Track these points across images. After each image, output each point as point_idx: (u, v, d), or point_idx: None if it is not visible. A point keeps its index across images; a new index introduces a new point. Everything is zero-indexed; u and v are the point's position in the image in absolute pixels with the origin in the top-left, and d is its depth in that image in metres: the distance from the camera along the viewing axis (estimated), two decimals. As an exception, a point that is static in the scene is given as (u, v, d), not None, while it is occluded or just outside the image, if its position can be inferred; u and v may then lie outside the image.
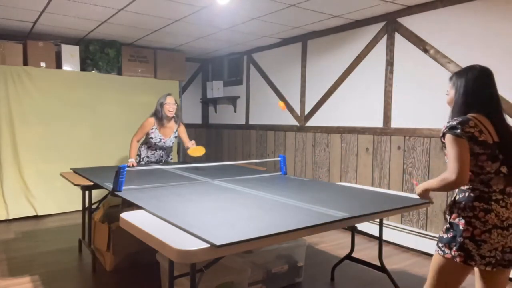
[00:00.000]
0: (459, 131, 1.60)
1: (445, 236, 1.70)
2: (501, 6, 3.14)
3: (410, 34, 3.78)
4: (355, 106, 4.34)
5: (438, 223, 3.57)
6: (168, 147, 4.27)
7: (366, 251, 3.63)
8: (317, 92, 4.80)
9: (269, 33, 4.84)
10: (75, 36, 5.13)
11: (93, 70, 5.29)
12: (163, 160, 4.31)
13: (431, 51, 3.60)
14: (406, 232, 3.82)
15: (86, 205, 3.45)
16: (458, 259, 1.62)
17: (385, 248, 3.60)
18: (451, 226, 1.68)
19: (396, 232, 3.90)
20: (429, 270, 1.77)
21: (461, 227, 1.63)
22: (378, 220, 3.11)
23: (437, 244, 1.74)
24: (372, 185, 4.16)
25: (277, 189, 2.76)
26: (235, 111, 6.33)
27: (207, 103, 6.95)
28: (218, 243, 1.50)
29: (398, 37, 3.90)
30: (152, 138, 4.07)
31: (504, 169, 1.64)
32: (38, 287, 2.88)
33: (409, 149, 3.81)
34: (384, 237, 3.19)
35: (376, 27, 4.10)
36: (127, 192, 2.55)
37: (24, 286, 2.90)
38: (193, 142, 4.10)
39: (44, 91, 4.89)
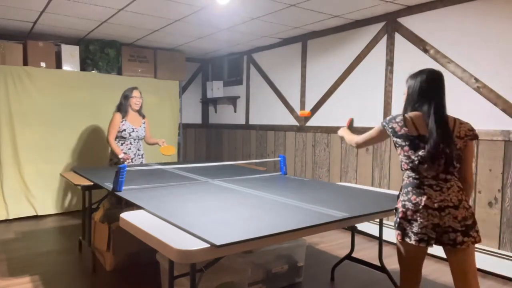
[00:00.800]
0: (385, 124, 1.95)
1: (394, 219, 1.94)
2: (501, 6, 3.14)
3: (410, 34, 3.77)
4: (355, 106, 4.34)
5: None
6: (141, 138, 4.27)
7: (366, 251, 3.63)
8: (317, 92, 4.80)
9: (269, 33, 4.84)
10: (75, 36, 5.13)
11: (93, 70, 5.29)
12: (141, 156, 4.29)
13: (431, 51, 3.60)
14: (406, 232, 3.82)
15: (86, 205, 3.45)
16: (398, 237, 1.87)
17: (385, 248, 3.60)
18: (395, 210, 1.93)
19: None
20: None
21: (399, 209, 1.88)
22: (378, 220, 3.11)
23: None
24: (372, 185, 4.16)
25: (277, 189, 2.76)
26: (235, 111, 6.33)
27: (207, 103, 6.95)
28: (218, 243, 1.50)
29: (398, 37, 3.90)
30: (125, 130, 4.09)
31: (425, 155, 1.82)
32: (38, 287, 2.88)
33: (409, 149, 3.81)
34: (384, 237, 3.19)
35: (376, 27, 4.10)
36: (127, 192, 2.55)
37: (24, 286, 2.89)
38: (163, 140, 4.25)
39: (44, 91, 4.89)
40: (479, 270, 3.23)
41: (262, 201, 2.33)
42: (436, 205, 1.78)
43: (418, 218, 1.79)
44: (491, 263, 3.16)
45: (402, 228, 1.86)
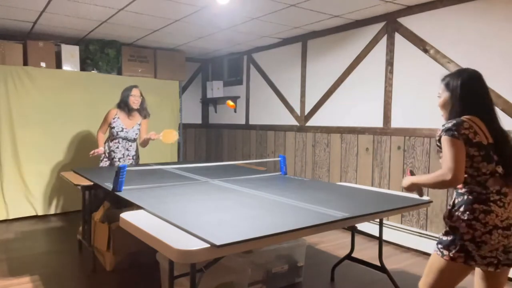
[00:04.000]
0: (455, 132, 1.62)
1: (444, 238, 1.70)
2: (500, 6, 3.14)
3: (410, 34, 3.77)
4: (355, 106, 4.34)
5: (438, 223, 3.57)
6: (131, 139, 4.13)
7: (366, 251, 3.63)
8: (317, 92, 4.80)
9: (269, 33, 4.84)
10: (75, 36, 5.13)
11: (93, 70, 5.29)
12: (132, 158, 4.16)
13: (431, 51, 3.60)
14: (406, 232, 3.82)
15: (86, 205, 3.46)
16: (458, 260, 1.63)
17: (385, 248, 3.60)
18: (451, 229, 1.68)
19: (396, 232, 3.90)
20: (426, 268, 1.78)
21: (461, 230, 1.63)
22: (378, 220, 3.11)
23: (437, 245, 1.74)
24: (372, 185, 4.16)
25: (277, 189, 2.76)
26: (235, 111, 6.32)
27: (207, 103, 6.95)
28: (218, 243, 1.50)
29: (398, 37, 3.90)
30: (114, 127, 4.01)
31: (499, 169, 1.66)
32: (38, 287, 2.88)
33: (409, 149, 3.81)
34: (384, 237, 3.19)
35: (376, 27, 4.09)
36: (127, 192, 2.55)
37: (24, 286, 2.89)
38: (153, 133, 4.06)
39: (44, 91, 4.89)
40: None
41: (262, 201, 2.33)
42: (504, 223, 1.61)
43: (488, 240, 1.59)
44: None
45: (467, 250, 1.62)
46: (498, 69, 3.16)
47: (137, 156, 4.27)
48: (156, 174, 3.42)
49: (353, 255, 3.05)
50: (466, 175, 1.66)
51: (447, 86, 1.78)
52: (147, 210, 2.06)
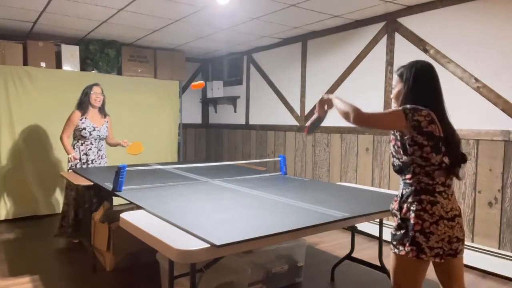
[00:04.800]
0: (409, 113, 1.61)
1: (398, 233, 1.69)
2: (501, 6, 3.14)
3: (410, 34, 3.77)
4: (355, 106, 4.33)
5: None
6: (103, 138, 4.03)
7: (366, 251, 3.63)
8: (317, 92, 4.80)
9: (269, 33, 4.84)
10: (75, 36, 5.13)
11: (93, 70, 5.29)
12: (102, 157, 4.04)
13: (431, 51, 3.60)
14: (406, 232, 3.82)
15: (86, 205, 3.45)
16: (411, 254, 1.62)
17: (385, 248, 3.59)
18: (403, 222, 1.67)
19: (396, 232, 3.90)
20: (390, 271, 1.76)
21: (411, 221, 1.63)
22: (378, 220, 3.11)
23: (391, 242, 1.72)
24: (372, 185, 4.16)
25: (277, 189, 2.76)
26: (235, 111, 6.33)
27: (207, 103, 6.95)
28: (218, 243, 1.50)
29: (398, 37, 3.90)
30: (85, 128, 3.85)
31: (446, 160, 1.66)
32: (38, 287, 2.88)
33: (409, 149, 3.81)
34: (384, 237, 3.18)
35: (376, 27, 4.09)
36: (127, 192, 2.55)
37: (24, 286, 2.89)
38: (125, 140, 4.04)
39: (44, 91, 4.89)
40: (479, 270, 3.24)
41: (262, 201, 2.33)
42: (449, 214, 1.63)
43: (435, 231, 1.60)
44: (491, 263, 3.15)
45: (417, 243, 1.61)
46: (498, 69, 3.16)
47: (105, 155, 4.14)
48: (156, 174, 3.42)
49: (353, 255, 3.05)
50: (414, 165, 1.65)
51: (400, 77, 1.77)
52: (147, 210, 2.06)
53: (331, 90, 4.60)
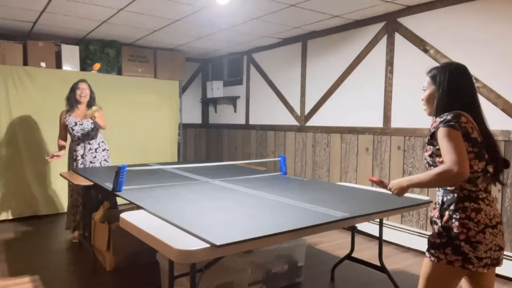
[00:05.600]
0: (456, 124, 1.52)
1: (438, 241, 1.61)
2: (501, 6, 3.14)
3: (410, 34, 3.77)
4: (355, 106, 4.34)
5: (438, 223, 3.57)
6: (88, 132, 3.93)
7: (366, 251, 3.63)
8: (317, 92, 4.80)
9: (269, 33, 4.84)
10: (75, 36, 5.13)
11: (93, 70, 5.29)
12: (95, 151, 3.97)
13: (431, 51, 3.60)
14: (406, 232, 3.82)
15: (86, 205, 3.45)
16: (456, 264, 1.55)
17: (385, 248, 3.60)
18: (444, 230, 1.59)
19: (396, 232, 3.90)
20: (420, 279, 1.69)
21: (455, 230, 1.55)
22: (378, 220, 3.11)
23: (428, 250, 1.65)
24: (372, 185, 4.15)
25: (277, 189, 2.76)
26: (235, 111, 6.33)
27: (207, 103, 6.95)
28: (218, 243, 1.50)
29: (398, 37, 3.90)
30: (67, 125, 3.87)
31: (490, 169, 1.61)
32: (38, 287, 2.88)
33: (409, 149, 3.81)
34: (384, 237, 3.19)
35: (376, 27, 4.09)
36: (127, 192, 2.55)
37: (24, 286, 2.89)
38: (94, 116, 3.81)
39: (44, 91, 4.89)
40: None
41: (262, 201, 2.33)
42: (493, 221, 1.55)
43: (483, 240, 1.52)
44: (491, 263, 3.15)
45: (463, 253, 1.53)
46: (498, 69, 3.16)
47: (103, 149, 4.07)
48: (156, 174, 3.42)
49: (353, 255, 3.05)
50: None
51: (433, 79, 1.70)
52: (147, 210, 2.06)
53: (331, 90, 4.60)
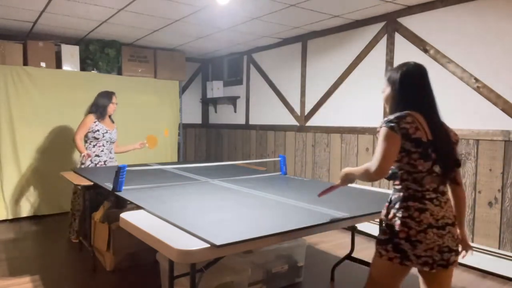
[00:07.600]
0: (395, 125, 1.55)
1: (382, 237, 1.66)
2: (501, 6, 3.14)
3: (410, 34, 3.77)
4: (355, 106, 4.34)
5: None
6: (114, 141, 4.14)
7: (366, 251, 3.62)
8: (317, 92, 4.80)
9: (269, 33, 4.84)
10: (75, 36, 5.13)
11: (93, 70, 5.29)
12: (113, 160, 4.14)
13: (431, 51, 3.60)
14: (406, 232, 3.82)
15: (86, 205, 3.45)
16: (395, 261, 1.59)
17: (385, 248, 3.60)
18: (388, 228, 1.64)
19: (396, 232, 3.90)
20: (368, 272, 1.75)
21: (397, 228, 1.58)
22: (378, 220, 3.11)
23: (376, 245, 1.71)
24: (372, 185, 4.16)
25: (277, 189, 2.76)
26: (235, 111, 6.33)
27: (207, 103, 6.95)
28: (218, 243, 1.50)
29: (398, 37, 3.90)
30: (98, 130, 3.96)
31: (437, 169, 1.60)
32: (38, 287, 2.88)
33: (409, 149, 3.81)
34: (384, 237, 3.20)
35: (376, 27, 4.09)
36: (127, 192, 2.55)
37: (24, 286, 2.90)
38: (142, 142, 4.26)
39: (44, 91, 4.89)
40: (479, 270, 3.24)
41: (262, 201, 2.33)
42: (439, 222, 1.57)
43: (423, 239, 1.55)
44: (491, 263, 3.16)
45: (402, 250, 1.58)
46: (498, 69, 3.16)
47: (116, 159, 4.25)
48: (156, 174, 3.42)
49: (353, 255, 3.06)
50: (402, 171, 1.61)
51: (388, 80, 1.72)
52: (147, 210, 2.06)
53: (331, 90, 4.60)
